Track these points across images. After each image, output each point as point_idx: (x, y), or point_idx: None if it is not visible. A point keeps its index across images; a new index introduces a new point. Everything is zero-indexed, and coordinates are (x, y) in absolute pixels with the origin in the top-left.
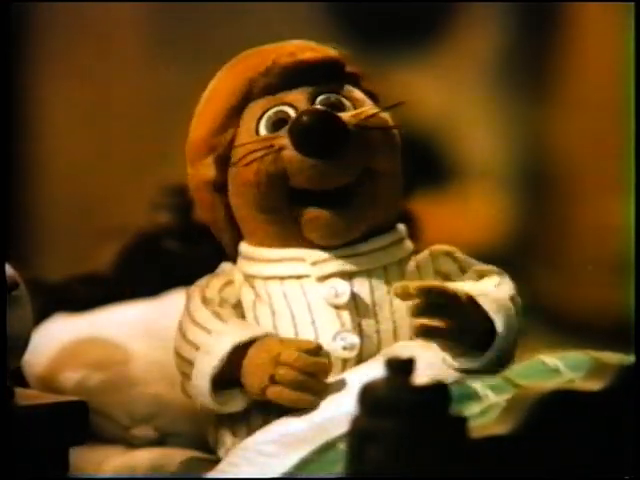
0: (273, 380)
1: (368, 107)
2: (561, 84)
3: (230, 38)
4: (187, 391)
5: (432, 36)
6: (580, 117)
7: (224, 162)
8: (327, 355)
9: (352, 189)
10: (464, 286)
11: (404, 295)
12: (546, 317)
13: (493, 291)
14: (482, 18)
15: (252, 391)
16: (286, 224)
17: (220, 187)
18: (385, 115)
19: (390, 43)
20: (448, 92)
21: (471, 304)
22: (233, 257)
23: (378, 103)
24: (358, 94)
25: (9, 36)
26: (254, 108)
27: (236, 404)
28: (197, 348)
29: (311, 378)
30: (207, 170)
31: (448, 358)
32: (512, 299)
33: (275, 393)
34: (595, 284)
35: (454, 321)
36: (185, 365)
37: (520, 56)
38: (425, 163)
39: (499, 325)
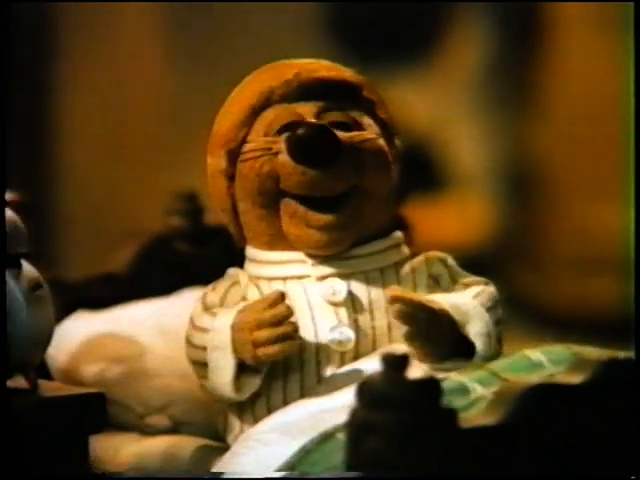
0: (256, 345)
1: (368, 132)
2: (542, 96)
3: (240, 52)
4: (205, 389)
5: (423, 54)
6: (560, 127)
7: (234, 156)
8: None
9: (338, 202)
10: (441, 301)
11: (391, 300)
12: (528, 312)
13: (468, 302)
14: (468, 37)
15: (249, 362)
16: (275, 223)
17: (230, 178)
18: (382, 142)
19: (385, 60)
20: (437, 105)
21: (448, 316)
22: (240, 243)
23: (390, 131)
24: (366, 119)
25: (7, 36)
26: (269, 113)
27: (250, 388)
28: (204, 348)
29: (279, 327)
30: (220, 161)
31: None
32: (489, 308)
33: (263, 355)
34: (574, 282)
35: (432, 330)
36: (199, 368)
37: (504, 71)
38: (417, 171)
39: (472, 334)
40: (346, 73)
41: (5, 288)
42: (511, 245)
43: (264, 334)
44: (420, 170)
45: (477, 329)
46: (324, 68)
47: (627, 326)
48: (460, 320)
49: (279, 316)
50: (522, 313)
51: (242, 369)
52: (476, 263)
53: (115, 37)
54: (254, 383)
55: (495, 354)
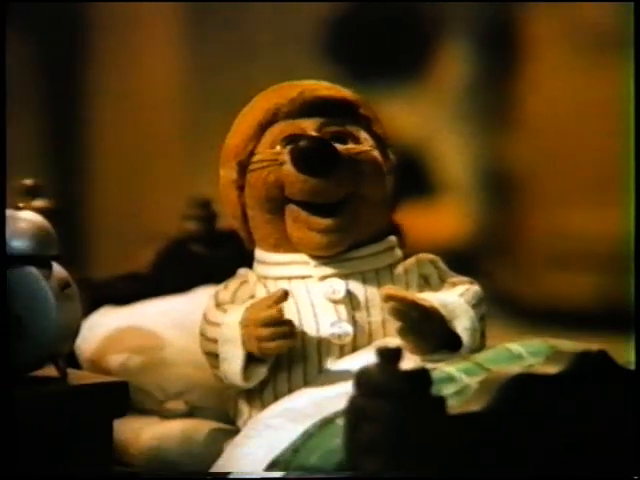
0: (260, 340)
1: (364, 145)
2: (520, 110)
3: (250, 72)
4: (218, 377)
5: (413, 73)
6: (536, 138)
7: (244, 167)
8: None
9: (337, 207)
10: (431, 299)
11: (385, 299)
12: (507, 306)
13: (455, 300)
14: (454, 57)
15: (256, 354)
16: (280, 227)
17: (240, 188)
18: (376, 154)
19: (379, 79)
20: (426, 119)
21: (437, 313)
22: (250, 246)
23: (384, 144)
24: (362, 133)
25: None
26: (275, 128)
27: (258, 377)
28: (216, 341)
29: (280, 326)
30: (231, 172)
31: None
32: (474, 305)
33: (266, 349)
34: (548, 277)
35: (423, 326)
36: (211, 358)
37: (486, 88)
38: (409, 179)
39: (459, 329)
40: (344, 92)
41: (5, 288)
42: (492, 245)
43: (266, 332)
44: (411, 178)
45: (463, 325)
46: (324, 88)
47: (598, 316)
48: (448, 316)
49: (279, 314)
50: (502, 306)
51: (250, 360)
52: (461, 261)
53: (136, 51)
54: (261, 372)
55: (479, 347)
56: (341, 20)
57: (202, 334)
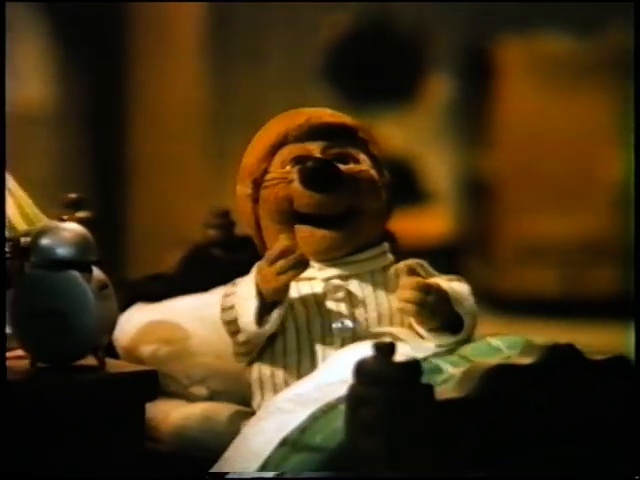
0: (278, 273)
1: (362, 165)
2: (493, 130)
3: (262, 99)
4: (236, 343)
5: (403, 99)
6: (508, 153)
7: (258, 184)
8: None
9: (340, 219)
10: (442, 283)
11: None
12: (484, 298)
13: (459, 287)
14: (437, 85)
15: (273, 293)
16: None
17: (254, 201)
18: (373, 172)
19: (374, 103)
20: (413, 137)
21: (447, 295)
22: (262, 251)
23: (380, 164)
24: (361, 155)
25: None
26: (285, 150)
27: (272, 322)
28: (232, 307)
29: (291, 255)
30: (247, 188)
31: (430, 336)
32: (470, 294)
33: (284, 280)
34: (518, 272)
35: (438, 308)
36: (231, 325)
37: (465, 110)
38: (398, 189)
39: (463, 312)
40: (345, 118)
41: (5, 288)
42: (471, 245)
43: (280, 263)
44: (401, 187)
45: (466, 309)
46: (328, 115)
47: (562, 304)
48: (455, 300)
49: (289, 246)
50: (479, 298)
51: (264, 308)
52: (444, 259)
53: (169, 80)
54: (275, 317)
55: (473, 330)
56: (343, 51)
57: (222, 310)
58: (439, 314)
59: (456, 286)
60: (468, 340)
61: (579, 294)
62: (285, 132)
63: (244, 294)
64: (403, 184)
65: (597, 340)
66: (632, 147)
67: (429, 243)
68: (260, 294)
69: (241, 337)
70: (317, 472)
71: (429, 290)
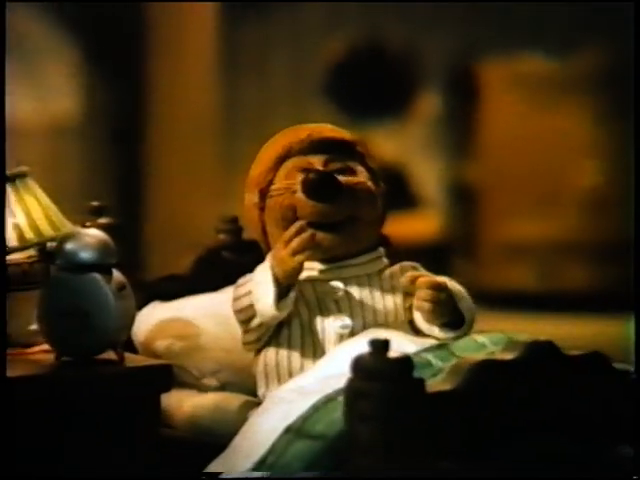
0: (293, 254)
1: (360, 177)
2: (478, 142)
3: (269, 115)
4: (248, 330)
5: (396, 114)
6: (491, 163)
7: (264, 194)
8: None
9: (340, 226)
10: (447, 281)
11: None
12: (469, 293)
13: (457, 285)
14: (427, 101)
15: (288, 274)
16: None
17: (260, 209)
18: (370, 184)
19: (369, 117)
20: (405, 148)
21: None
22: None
23: (377, 175)
24: (359, 167)
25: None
26: (289, 163)
27: (287, 305)
28: (249, 293)
29: (303, 234)
30: (254, 197)
31: (439, 331)
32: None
33: (296, 260)
34: (502, 271)
35: (445, 305)
36: (246, 312)
37: (451, 124)
38: (392, 195)
39: (464, 308)
40: (345, 134)
41: (4, 288)
42: (457, 246)
43: (294, 243)
44: (395, 193)
45: (467, 305)
46: (329, 130)
47: (540, 298)
48: (458, 298)
49: (300, 226)
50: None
51: (281, 295)
52: (434, 259)
53: (185, 99)
54: (290, 300)
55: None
56: (342, 69)
57: (235, 300)
58: (448, 311)
59: (455, 285)
60: (458, 337)
61: (554, 289)
62: (289, 146)
63: (260, 280)
64: (396, 191)
65: (571, 330)
66: (603, 158)
67: (420, 244)
68: (276, 280)
69: (255, 321)
70: (318, 458)
71: (443, 288)
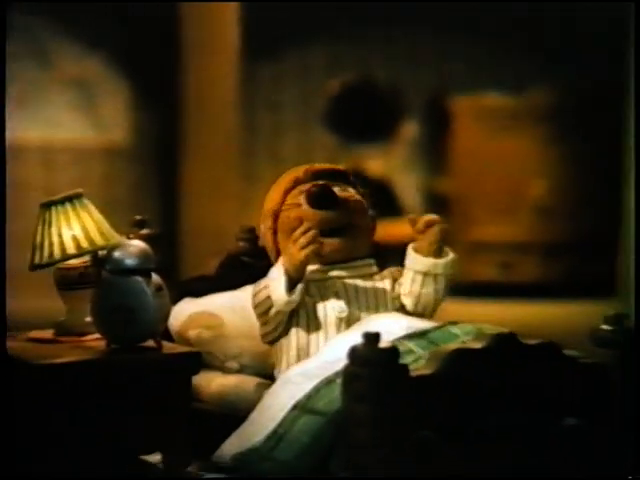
0: (301, 249)
1: (352, 195)
2: (450, 159)
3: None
4: (266, 321)
5: (384, 138)
6: (463, 177)
7: (277, 215)
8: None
9: (339, 232)
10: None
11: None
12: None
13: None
14: (409, 127)
15: (298, 268)
16: None
17: (274, 233)
18: (361, 200)
19: (361, 141)
20: (391, 165)
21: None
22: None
23: (364, 197)
24: (351, 190)
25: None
26: (295, 190)
27: (297, 293)
28: (267, 287)
29: (306, 235)
30: (268, 222)
31: (432, 259)
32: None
33: (303, 254)
34: (472, 265)
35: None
36: (263, 305)
37: (428, 146)
38: (380, 204)
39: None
40: (339, 166)
41: (4, 287)
42: None
43: (303, 239)
44: (382, 203)
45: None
46: (326, 165)
47: (503, 288)
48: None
49: (307, 226)
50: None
51: (291, 286)
52: None
53: (209, 131)
54: (299, 289)
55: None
56: (341, 102)
57: (254, 295)
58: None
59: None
60: (436, 328)
61: (511, 280)
62: (295, 179)
63: (274, 276)
64: (384, 201)
65: (524, 311)
66: (549, 175)
67: (403, 244)
68: (287, 273)
69: (272, 311)
70: (319, 430)
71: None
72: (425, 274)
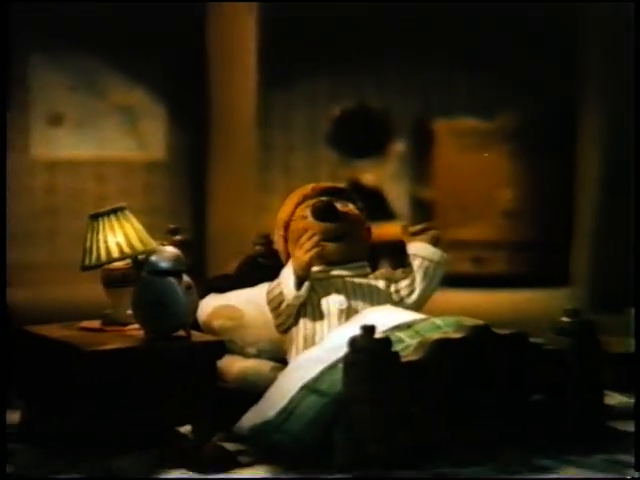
0: (305, 252)
1: (351, 208)
2: (432, 172)
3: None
4: (279, 314)
5: (377, 155)
6: (443, 186)
7: (287, 225)
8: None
9: (339, 239)
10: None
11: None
12: None
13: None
14: (397, 146)
15: (304, 267)
16: None
17: (285, 241)
18: (358, 213)
19: (359, 157)
20: (383, 177)
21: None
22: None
23: (362, 210)
24: (351, 205)
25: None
26: (303, 205)
27: (304, 292)
28: (279, 284)
29: (312, 239)
30: (280, 231)
31: (430, 249)
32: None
33: (307, 255)
34: (453, 261)
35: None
36: (276, 300)
37: (415, 161)
38: (374, 210)
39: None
40: (340, 184)
41: (5, 287)
42: None
43: (308, 244)
44: (376, 209)
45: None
46: (330, 184)
47: (472, 280)
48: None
49: (311, 234)
50: None
51: (299, 283)
52: (402, 252)
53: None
54: (305, 287)
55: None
56: (342, 124)
57: (269, 291)
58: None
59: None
60: (422, 320)
61: (483, 273)
62: (304, 194)
63: (285, 275)
64: (377, 207)
65: (494, 298)
66: (517, 185)
67: (392, 243)
68: (295, 274)
69: (284, 304)
70: (323, 408)
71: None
72: (430, 260)
